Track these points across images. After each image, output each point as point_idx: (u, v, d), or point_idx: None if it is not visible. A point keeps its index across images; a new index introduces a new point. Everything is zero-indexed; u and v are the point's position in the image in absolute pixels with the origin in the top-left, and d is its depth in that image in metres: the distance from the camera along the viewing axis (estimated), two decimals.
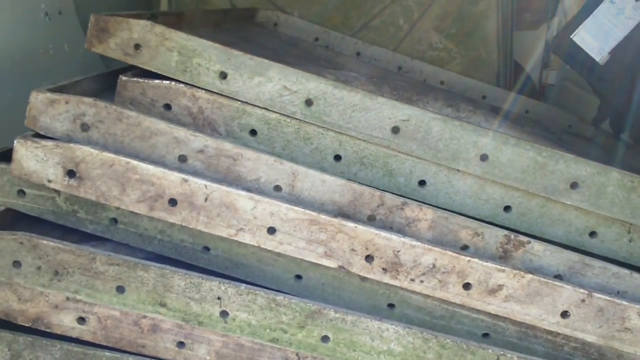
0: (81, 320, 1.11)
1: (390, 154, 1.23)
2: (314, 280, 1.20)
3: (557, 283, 1.13)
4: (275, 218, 1.10)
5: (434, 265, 1.12)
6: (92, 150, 1.06)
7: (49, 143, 1.07)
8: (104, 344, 1.13)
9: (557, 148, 1.27)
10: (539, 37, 2.74)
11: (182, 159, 1.14)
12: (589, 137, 2.18)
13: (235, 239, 1.12)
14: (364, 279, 1.19)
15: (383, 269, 1.13)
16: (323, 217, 1.10)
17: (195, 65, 1.18)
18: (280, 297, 1.09)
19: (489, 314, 1.19)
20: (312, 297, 1.18)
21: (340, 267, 1.13)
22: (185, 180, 1.08)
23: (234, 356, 1.13)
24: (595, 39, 1.85)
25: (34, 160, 1.07)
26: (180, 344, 1.13)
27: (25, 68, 1.59)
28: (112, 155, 1.07)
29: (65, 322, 1.11)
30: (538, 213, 1.26)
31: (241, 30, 1.92)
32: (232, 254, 1.19)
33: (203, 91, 1.19)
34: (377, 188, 1.19)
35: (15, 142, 1.07)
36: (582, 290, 1.14)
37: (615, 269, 1.23)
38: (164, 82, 1.18)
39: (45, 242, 1.07)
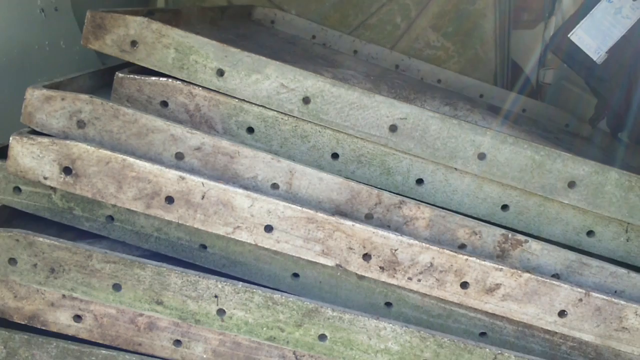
0: (77, 318, 1.11)
1: (387, 153, 1.23)
2: (311, 279, 1.20)
3: (554, 282, 1.13)
4: (272, 216, 1.10)
5: (431, 264, 1.12)
6: (89, 147, 1.06)
7: (45, 140, 1.06)
8: (100, 342, 1.12)
9: (554, 147, 1.27)
10: (536, 36, 2.74)
11: (179, 156, 1.13)
12: (586, 136, 2.18)
13: (232, 237, 1.11)
14: (361, 277, 1.18)
15: (380, 267, 1.13)
16: (320, 216, 1.10)
17: (192, 62, 1.17)
18: (277, 296, 1.08)
19: (486, 313, 1.19)
20: (309, 296, 1.17)
21: (337, 265, 1.13)
22: (182, 178, 1.08)
23: (231, 354, 1.13)
24: (593, 38, 1.85)
25: (29, 157, 1.06)
26: (177, 342, 1.12)
27: (21, 64, 1.58)
28: (109, 153, 1.06)
29: (62, 319, 1.11)
30: (535, 212, 1.26)
31: (238, 27, 1.91)
32: (229, 252, 1.19)
33: (200, 88, 1.19)
34: (374, 186, 1.19)
35: (11, 138, 1.06)
36: (579, 290, 1.14)
37: (612, 268, 1.23)
38: (161, 79, 1.17)
39: (41, 239, 1.06)
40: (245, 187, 1.11)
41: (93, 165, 1.07)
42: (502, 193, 1.25)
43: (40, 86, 1.09)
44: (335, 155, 1.23)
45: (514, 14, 2.69)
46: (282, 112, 1.20)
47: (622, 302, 1.15)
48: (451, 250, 1.12)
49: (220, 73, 1.18)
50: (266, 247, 1.12)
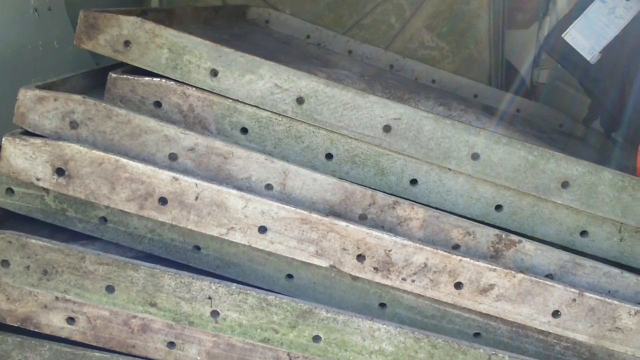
0: (70, 320, 1.10)
1: (381, 153, 1.23)
2: (305, 280, 1.20)
3: (548, 282, 1.14)
4: (266, 217, 1.09)
5: (425, 265, 1.12)
6: (81, 148, 1.05)
7: (38, 141, 1.05)
8: (94, 344, 1.12)
9: (548, 147, 1.27)
10: (530, 36, 2.75)
11: (173, 157, 1.13)
12: (580, 137, 2.19)
13: (226, 238, 1.11)
14: (355, 278, 1.18)
15: (374, 268, 1.12)
16: (314, 216, 1.10)
17: (185, 62, 1.17)
18: (271, 297, 1.08)
19: (480, 314, 1.19)
20: (303, 297, 1.17)
21: (331, 266, 1.13)
22: (176, 179, 1.07)
23: (225, 356, 1.13)
24: (587, 38, 1.85)
25: (22, 158, 1.06)
26: (171, 344, 1.12)
27: (14, 65, 1.57)
28: (102, 153, 1.06)
29: (55, 322, 1.10)
30: (529, 212, 1.26)
31: (232, 27, 1.91)
32: (223, 253, 1.19)
33: (194, 89, 1.18)
34: (368, 187, 1.19)
35: (3, 139, 1.06)
36: (573, 290, 1.14)
37: (606, 268, 1.24)
38: (154, 79, 1.17)
39: (33, 241, 1.06)
40: (239, 188, 1.11)
41: (86, 166, 1.06)
42: (495, 193, 1.25)
43: (32, 87, 1.09)
44: (329, 156, 1.23)
45: (508, 14, 2.69)
46: (276, 113, 1.20)
47: (616, 302, 1.15)
48: (445, 251, 1.12)
49: (214, 73, 1.17)
50: (260, 248, 1.12)
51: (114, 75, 1.17)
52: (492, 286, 1.13)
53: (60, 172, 1.07)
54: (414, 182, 1.25)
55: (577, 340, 1.19)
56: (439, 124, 1.20)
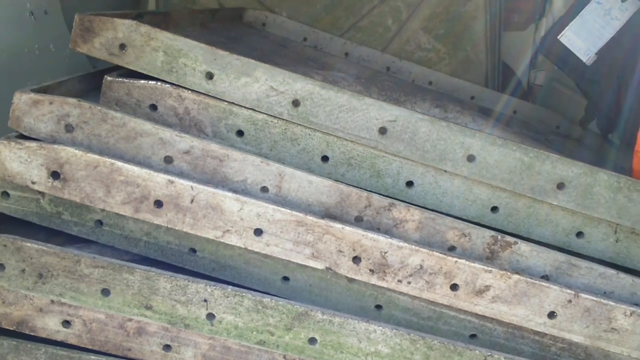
0: (66, 323, 1.10)
1: (377, 155, 1.23)
2: (301, 282, 1.20)
3: (543, 283, 1.14)
4: (262, 219, 1.09)
5: (421, 267, 1.12)
6: (77, 151, 1.05)
7: (33, 144, 1.06)
8: (90, 347, 1.12)
9: (544, 149, 1.28)
10: (527, 38, 2.75)
11: (168, 160, 1.13)
12: (576, 138, 2.19)
13: (222, 240, 1.11)
14: (351, 280, 1.18)
15: (370, 270, 1.13)
16: (310, 219, 1.10)
17: (181, 65, 1.17)
18: (267, 299, 1.08)
19: (476, 315, 1.19)
20: (299, 299, 1.17)
21: (327, 268, 1.13)
22: (171, 182, 1.07)
23: (221, 359, 1.13)
24: (582, 39, 1.86)
25: (17, 161, 1.06)
26: (167, 347, 1.12)
27: (11, 68, 1.57)
28: (97, 157, 1.06)
29: (50, 325, 1.10)
30: (525, 213, 1.26)
31: (229, 30, 1.91)
32: (218, 255, 1.19)
33: (189, 91, 1.18)
34: (364, 189, 1.19)
35: None
36: (568, 291, 1.14)
37: (601, 269, 1.24)
38: (150, 82, 1.17)
39: (29, 244, 1.06)
40: (235, 191, 1.11)
41: (81, 169, 1.06)
42: (491, 195, 1.25)
43: (28, 90, 1.09)
44: (325, 158, 1.23)
45: (505, 16, 2.70)
46: (271, 115, 1.20)
47: (611, 303, 1.15)
48: (441, 253, 1.12)
49: (210, 76, 1.18)
50: (256, 250, 1.12)
51: (109, 78, 1.17)
52: (487, 287, 1.13)
53: (55, 175, 1.07)
54: (410, 184, 1.25)
55: (572, 341, 1.19)
56: (434, 126, 1.20)
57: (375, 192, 1.20)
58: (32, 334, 1.10)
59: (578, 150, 2.02)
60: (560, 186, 1.22)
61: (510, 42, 2.74)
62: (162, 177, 1.07)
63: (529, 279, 1.13)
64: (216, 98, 1.19)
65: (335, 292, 1.20)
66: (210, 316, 1.09)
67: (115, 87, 1.17)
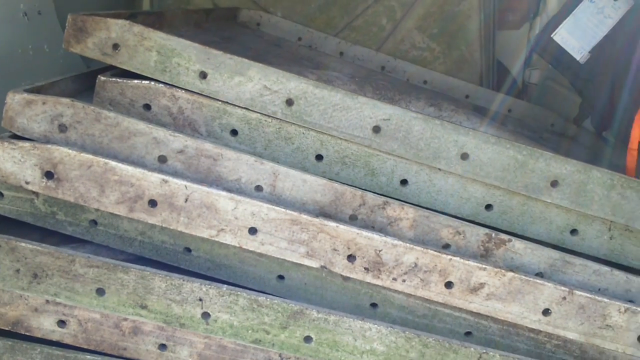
0: (61, 323, 1.10)
1: (371, 154, 1.23)
2: (296, 281, 1.20)
3: (538, 281, 1.14)
4: (256, 218, 1.09)
5: (415, 264, 1.12)
6: (70, 151, 1.05)
7: (26, 144, 1.05)
8: (85, 347, 1.12)
9: (538, 147, 1.28)
10: (521, 36, 2.75)
11: (162, 159, 1.13)
12: (571, 136, 2.20)
13: (217, 239, 1.11)
14: (346, 278, 1.18)
15: (365, 268, 1.13)
16: (304, 217, 1.10)
17: (174, 64, 1.17)
18: (262, 298, 1.08)
19: (471, 313, 1.19)
20: (295, 298, 1.17)
21: (322, 267, 1.13)
22: (165, 181, 1.07)
23: (217, 358, 1.13)
24: (576, 38, 1.86)
25: (11, 161, 1.06)
26: (162, 346, 1.12)
27: (4, 69, 1.57)
28: (91, 156, 1.06)
29: (46, 325, 1.10)
30: (519, 211, 1.27)
31: (223, 29, 1.91)
32: (213, 254, 1.19)
33: (183, 91, 1.18)
34: (358, 187, 1.19)
35: None
36: (563, 288, 1.15)
37: (595, 266, 1.24)
38: (143, 82, 1.17)
39: (23, 244, 1.05)
40: (229, 190, 1.11)
41: (75, 169, 1.06)
42: (485, 193, 1.26)
43: (21, 90, 1.09)
44: (319, 157, 1.24)
45: (499, 15, 2.70)
46: (265, 114, 1.20)
47: (606, 300, 1.15)
48: (435, 250, 1.12)
49: (203, 75, 1.18)
50: (251, 249, 1.12)
51: (102, 78, 1.17)
52: (482, 285, 1.14)
53: (49, 175, 1.07)
54: (404, 182, 1.25)
55: (567, 338, 1.19)
56: (428, 125, 1.20)
57: (370, 191, 1.20)
58: (27, 334, 1.10)
59: (573, 148, 2.03)
60: (554, 184, 1.23)
61: (504, 41, 2.75)
62: (156, 177, 1.07)
63: (524, 277, 1.13)
64: (210, 97, 1.19)
65: (331, 291, 1.20)
66: (206, 315, 1.09)
67: (109, 87, 1.17)
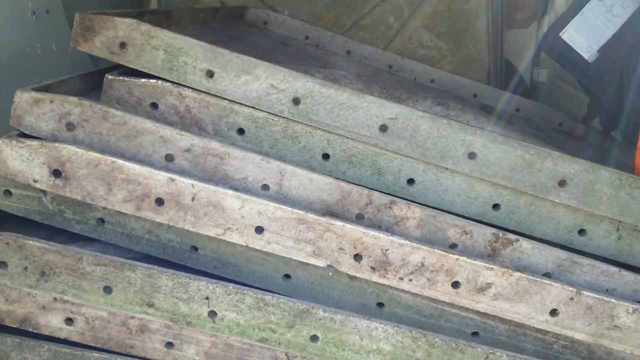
0: (69, 321, 1.10)
1: (378, 153, 1.23)
2: (302, 280, 1.20)
3: (545, 281, 1.13)
4: (262, 217, 1.10)
5: (422, 264, 1.12)
6: (78, 149, 1.06)
7: (34, 143, 1.06)
8: (92, 345, 1.12)
9: (546, 146, 1.27)
10: (529, 35, 2.74)
11: (169, 158, 1.13)
12: (579, 135, 2.18)
13: (223, 238, 1.11)
14: (352, 277, 1.18)
15: (372, 267, 1.13)
16: (311, 216, 1.10)
17: (181, 63, 1.17)
18: (268, 297, 1.08)
19: (478, 312, 1.19)
20: (301, 297, 1.17)
21: (328, 266, 1.13)
22: (172, 180, 1.07)
23: (223, 356, 1.13)
24: (584, 37, 1.85)
25: (19, 160, 1.06)
26: (169, 345, 1.12)
27: (13, 67, 1.58)
28: (98, 155, 1.06)
29: (53, 322, 1.11)
30: (526, 211, 1.26)
31: (230, 28, 1.91)
32: (220, 253, 1.19)
33: (190, 90, 1.19)
34: (365, 187, 1.19)
35: (0, 142, 1.06)
36: (570, 288, 1.14)
37: (604, 266, 1.23)
38: (151, 80, 1.17)
39: (31, 242, 1.06)
40: (236, 189, 1.11)
41: (82, 167, 1.06)
42: (493, 192, 1.25)
43: (28, 89, 1.09)
44: (326, 156, 1.23)
45: (507, 14, 2.69)
46: (272, 113, 1.20)
47: (614, 301, 1.15)
48: (442, 250, 1.12)
49: (210, 74, 1.18)
50: (257, 248, 1.12)
51: (110, 77, 1.17)
52: (489, 285, 1.13)
53: (57, 173, 1.07)
54: (411, 181, 1.25)
55: (575, 338, 1.18)
56: (435, 124, 1.20)
57: (376, 190, 1.20)
58: (35, 331, 1.11)
59: (581, 148, 2.02)
60: (562, 183, 1.22)
61: (512, 40, 2.74)
62: (163, 175, 1.07)
63: (531, 277, 1.13)
64: (217, 96, 1.19)
65: (337, 290, 1.20)
66: (212, 314, 1.09)
67: (116, 85, 1.17)
